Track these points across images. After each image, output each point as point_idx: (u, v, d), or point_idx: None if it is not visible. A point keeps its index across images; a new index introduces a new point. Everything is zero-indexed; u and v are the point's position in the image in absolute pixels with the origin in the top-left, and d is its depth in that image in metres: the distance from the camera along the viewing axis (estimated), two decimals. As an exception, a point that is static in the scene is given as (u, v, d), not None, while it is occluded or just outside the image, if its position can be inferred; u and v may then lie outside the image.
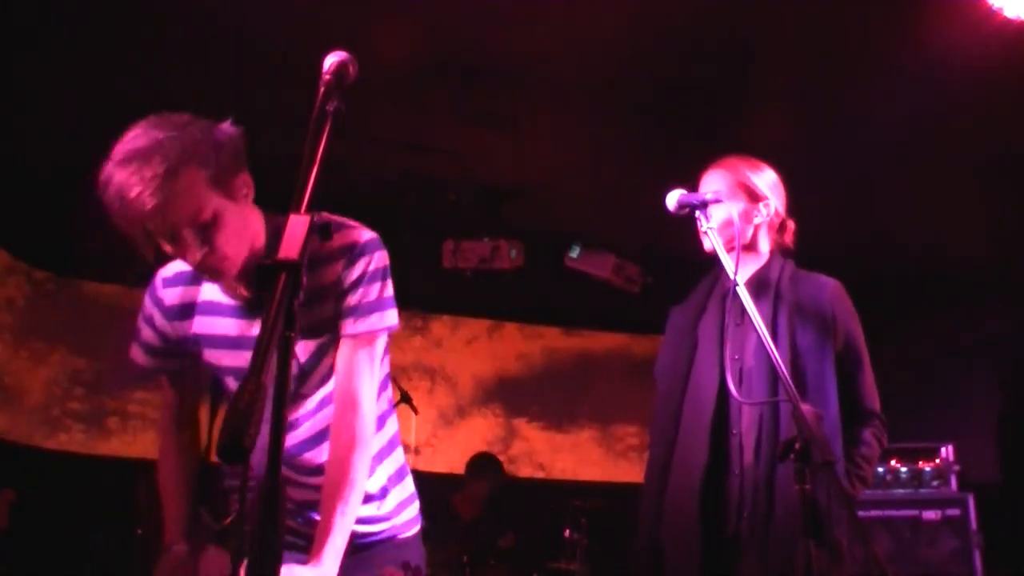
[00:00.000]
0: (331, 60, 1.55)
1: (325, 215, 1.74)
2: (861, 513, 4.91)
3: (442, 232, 5.66)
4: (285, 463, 1.55)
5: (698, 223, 2.33)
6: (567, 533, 5.35)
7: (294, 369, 1.89)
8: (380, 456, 2.11)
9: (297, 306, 1.29)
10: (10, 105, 4.54)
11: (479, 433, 6.96)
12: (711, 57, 4.04)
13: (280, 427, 1.25)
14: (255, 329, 1.88)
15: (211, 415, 2.20)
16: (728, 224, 2.43)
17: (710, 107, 4.40)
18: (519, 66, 4.18)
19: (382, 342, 2.00)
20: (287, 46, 3.89)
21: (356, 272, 1.92)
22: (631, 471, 6.86)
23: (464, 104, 4.33)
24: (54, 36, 3.95)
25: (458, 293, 6.36)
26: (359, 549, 2.06)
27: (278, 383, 1.26)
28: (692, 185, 2.50)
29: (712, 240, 2.28)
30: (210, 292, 2.00)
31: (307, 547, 1.86)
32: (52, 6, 3.73)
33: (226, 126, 1.85)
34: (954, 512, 4.98)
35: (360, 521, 2.00)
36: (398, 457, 2.19)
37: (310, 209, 1.38)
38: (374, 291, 1.94)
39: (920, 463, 5.14)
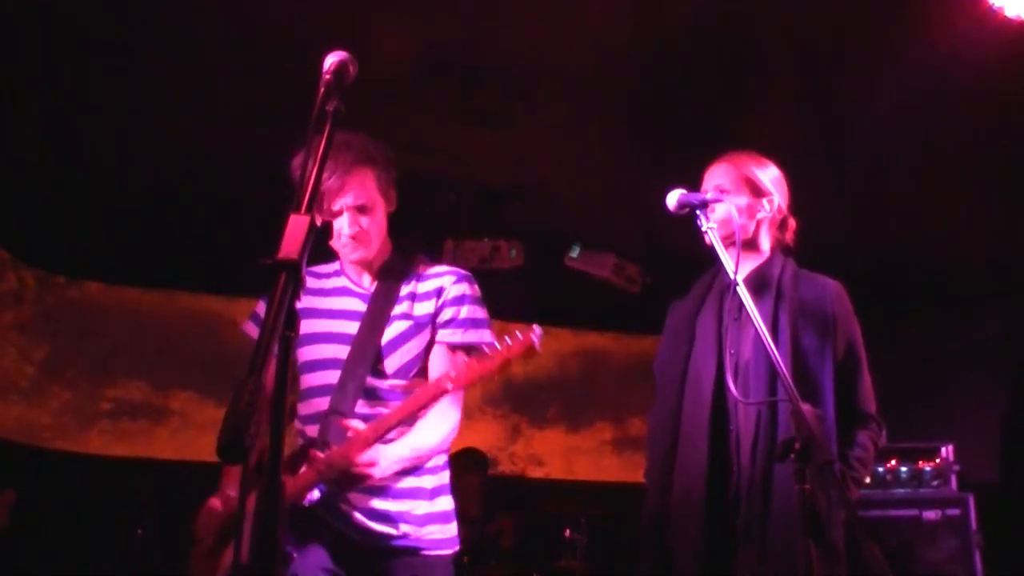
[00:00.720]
0: (331, 60, 1.56)
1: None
2: (861, 513, 4.92)
3: (442, 232, 5.65)
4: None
5: (698, 223, 2.33)
6: (567, 533, 5.35)
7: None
8: (436, 467, 2.35)
9: (297, 306, 1.29)
10: (10, 105, 4.54)
11: (480, 433, 6.95)
12: (711, 57, 4.04)
13: (280, 427, 1.25)
14: (360, 306, 2.34)
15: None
16: (731, 221, 2.43)
17: (710, 107, 4.39)
18: (519, 66, 4.17)
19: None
20: (287, 46, 3.89)
21: (469, 291, 2.39)
22: (631, 471, 6.86)
23: (464, 104, 4.33)
24: (55, 36, 3.95)
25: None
26: (382, 553, 2.19)
27: (278, 383, 1.26)
28: (692, 185, 2.50)
29: (712, 239, 2.28)
30: (331, 282, 2.43)
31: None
32: (52, 6, 3.72)
33: (386, 148, 2.42)
34: (954, 512, 4.97)
35: (387, 517, 2.18)
36: (445, 475, 2.40)
37: (309, 209, 1.38)
38: (479, 311, 2.40)
39: (920, 463, 5.14)
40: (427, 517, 2.27)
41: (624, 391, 7.25)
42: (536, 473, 7.09)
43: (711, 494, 2.32)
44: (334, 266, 2.47)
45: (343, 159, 2.24)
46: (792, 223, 2.63)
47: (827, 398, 2.33)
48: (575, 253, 5.89)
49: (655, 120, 4.60)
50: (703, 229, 2.32)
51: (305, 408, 2.31)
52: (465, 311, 2.34)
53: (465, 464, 5.66)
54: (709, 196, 2.40)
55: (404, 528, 2.21)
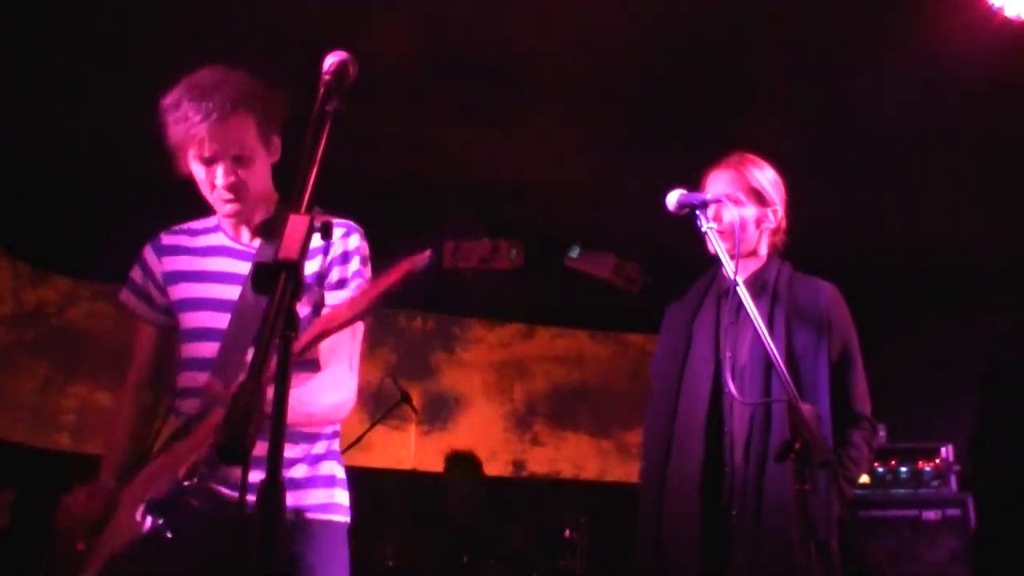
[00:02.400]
0: (331, 60, 1.56)
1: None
2: (861, 513, 4.92)
3: (442, 232, 5.65)
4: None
5: (698, 223, 2.33)
6: (567, 533, 5.35)
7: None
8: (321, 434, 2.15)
9: (296, 306, 1.29)
10: (10, 105, 4.54)
11: (481, 433, 6.95)
12: (711, 56, 4.04)
13: (280, 427, 1.25)
14: (242, 268, 2.13)
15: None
16: (737, 228, 2.43)
17: (710, 107, 4.39)
18: (519, 66, 4.17)
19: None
20: (287, 46, 3.89)
21: (358, 247, 2.15)
22: (630, 471, 6.86)
23: (464, 104, 4.33)
24: (55, 37, 3.95)
25: (458, 293, 6.36)
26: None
27: (278, 383, 1.26)
28: (692, 185, 2.50)
29: (712, 240, 2.29)
30: (207, 239, 2.21)
31: None
32: (52, 7, 3.72)
33: (272, 88, 2.16)
34: (954, 512, 4.97)
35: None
36: (335, 442, 2.20)
37: (309, 209, 1.38)
38: (368, 274, 2.15)
39: (920, 463, 5.14)
40: (308, 480, 2.09)
41: (624, 390, 7.24)
42: (538, 473, 7.09)
43: (706, 494, 2.33)
44: (211, 221, 2.24)
45: (216, 101, 2.00)
46: (783, 225, 2.64)
47: (822, 399, 2.34)
48: (575, 253, 5.89)
49: (655, 120, 4.60)
50: (703, 229, 2.32)
51: (183, 381, 2.12)
52: (355, 266, 2.11)
53: (459, 468, 5.66)
54: (709, 197, 2.40)
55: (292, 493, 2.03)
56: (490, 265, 5.61)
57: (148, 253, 2.24)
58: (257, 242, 2.16)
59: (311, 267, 2.08)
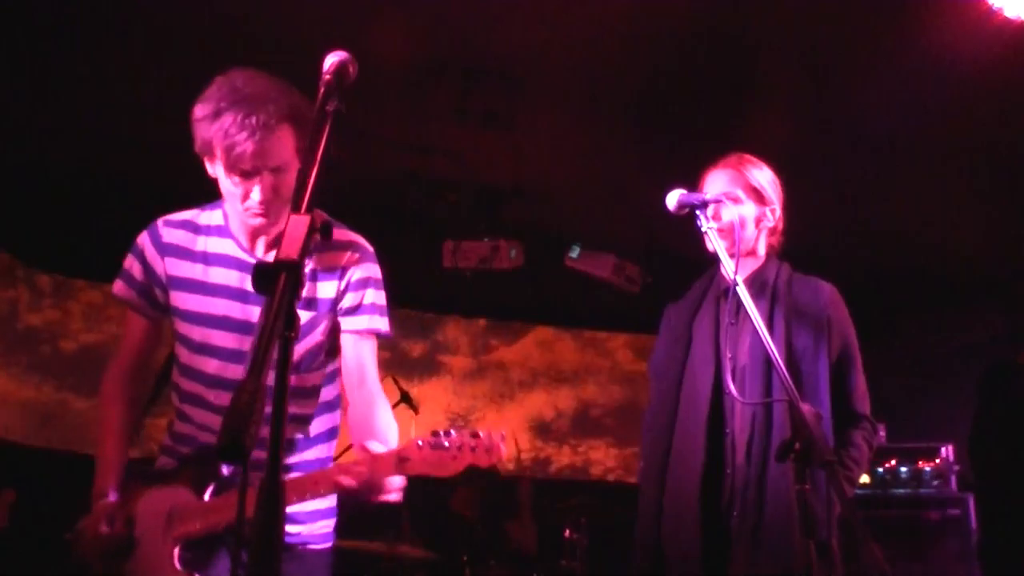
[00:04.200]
0: (331, 60, 1.56)
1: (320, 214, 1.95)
2: (861, 513, 4.92)
3: (442, 232, 5.65)
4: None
5: (698, 223, 2.33)
6: (567, 533, 5.34)
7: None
8: (324, 460, 2.19)
9: (297, 305, 1.29)
10: (9, 105, 4.54)
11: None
12: (711, 57, 4.04)
13: (280, 427, 1.25)
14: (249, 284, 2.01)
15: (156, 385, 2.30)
16: (736, 227, 2.43)
17: (710, 107, 4.39)
18: (519, 66, 4.17)
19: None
20: (287, 46, 3.89)
21: (371, 272, 2.12)
22: (632, 470, 6.86)
23: (464, 104, 4.33)
24: (55, 37, 3.95)
25: (458, 293, 6.36)
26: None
27: (278, 383, 1.26)
28: (692, 185, 2.50)
29: (713, 240, 2.29)
30: (215, 245, 2.11)
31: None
32: (53, 8, 3.72)
33: (305, 97, 2.02)
34: (954, 512, 4.97)
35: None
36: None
37: (310, 209, 1.38)
38: (383, 299, 2.14)
39: (920, 463, 5.14)
40: (318, 513, 2.16)
41: (624, 390, 7.24)
42: (537, 473, 7.08)
43: (706, 495, 2.33)
44: (216, 216, 2.14)
45: (262, 117, 1.92)
46: (781, 226, 2.64)
47: (822, 399, 2.34)
48: (575, 253, 5.89)
49: (655, 120, 4.60)
50: (703, 229, 2.32)
51: (188, 386, 2.11)
52: (370, 295, 2.10)
53: (467, 474, 5.62)
54: (709, 196, 2.40)
55: (297, 527, 2.12)
56: (490, 265, 5.61)
57: (147, 247, 2.13)
58: (272, 254, 2.06)
59: (326, 291, 2.08)
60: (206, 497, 1.98)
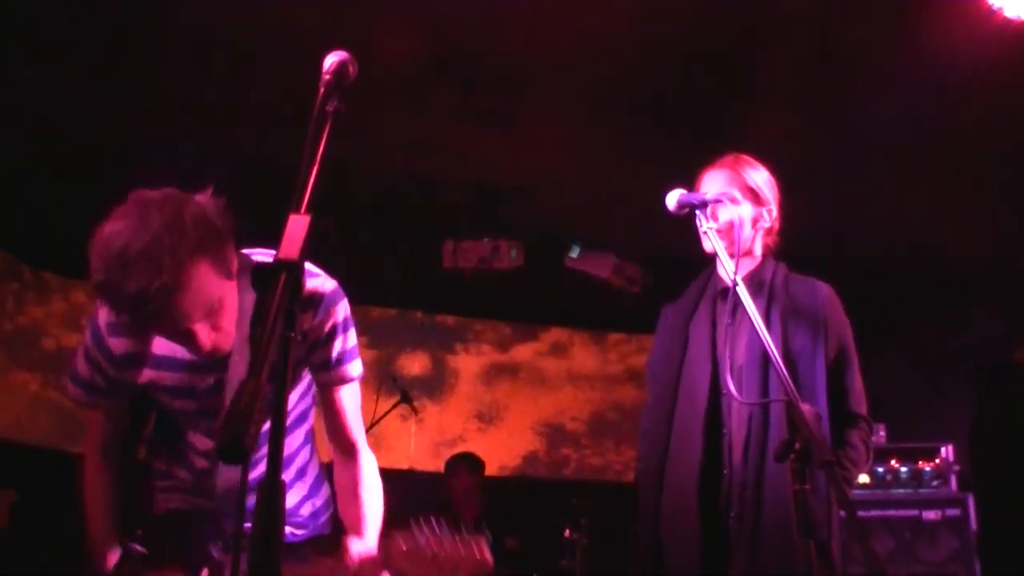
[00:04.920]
0: (331, 60, 1.56)
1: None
2: (861, 513, 4.92)
3: (442, 232, 5.65)
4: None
5: (697, 223, 2.34)
6: (567, 533, 5.34)
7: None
8: (311, 495, 2.20)
9: (297, 308, 1.29)
10: (10, 105, 4.54)
11: (477, 433, 6.96)
12: (711, 57, 4.04)
13: (280, 426, 1.25)
14: (205, 380, 1.92)
15: (134, 426, 2.18)
16: (735, 227, 2.44)
17: (710, 107, 4.39)
18: (519, 66, 4.17)
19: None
20: (288, 46, 3.89)
21: (334, 321, 1.94)
22: (630, 470, 6.86)
23: (464, 104, 4.32)
24: (55, 37, 3.95)
25: (458, 293, 6.36)
26: (291, 547, 2.12)
27: (277, 383, 1.26)
28: (692, 185, 2.51)
29: (712, 240, 2.29)
30: (161, 346, 1.93)
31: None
32: (54, 8, 3.72)
33: (211, 203, 1.72)
34: (954, 512, 4.98)
35: (294, 525, 2.14)
36: (322, 489, 2.25)
37: (310, 209, 1.38)
38: (352, 339, 2.00)
39: (920, 463, 5.14)
40: (317, 511, 2.23)
41: (624, 390, 7.24)
42: (537, 473, 7.09)
43: (704, 495, 2.33)
44: None
45: (160, 278, 1.59)
46: (776, 227, 2.64)
47: (819, 399, 2.35)
48: (575, 253, 5.89)
49: (655, 120, 4.59)
50: (702, 230, 2.32)
51: (184, 472, 2.08)
52: (338, 345, 1.96)
53: (458, 465, 5.63)
54: (709, 197, 2.40)
55: (302, 529, 2.21)
56: (490, 265, 5.61)
57: (90, 346, 1.98)
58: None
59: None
60: None
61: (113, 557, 2.06)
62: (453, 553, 1.75)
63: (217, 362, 1.87)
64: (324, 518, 2.25)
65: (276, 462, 1.23)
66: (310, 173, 1.41)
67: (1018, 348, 5.89)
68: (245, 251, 1.87)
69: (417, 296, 6.60)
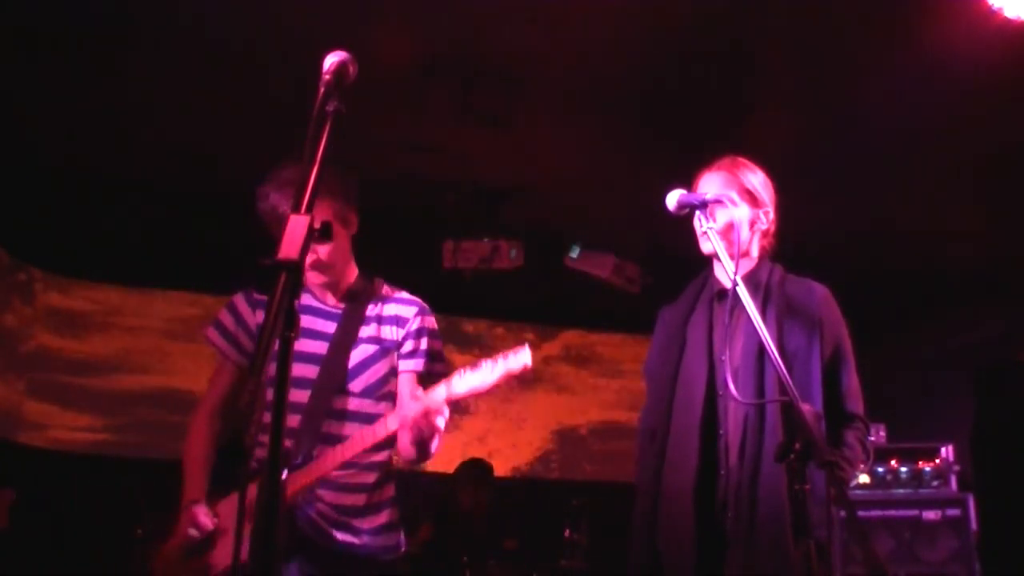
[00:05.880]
0: (331, 60, 1.56)
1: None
2: (861, 513, 4.92)
3: (442, 232, 5.65)
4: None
5: (697, 223, 2.34)
6: (567, 533, 5.34)
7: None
8: (389, 477, 2.44)
9: (297, 305, 1.29)
10: (9, 104, 4.55)
11: (479, 434, 6.96)
12: (711, 57, 4.04)
13: (280, 426, 1.25)
14: (326, 327, 2.42)
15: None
16: (732, 229, 2.44)
17: (710, 107, 4.40)
18: (519, 66, 4.17)
19: None
20: (288, 46, 3.89)
21: (428, 324, 2.50)
22: (630, 470, 6.85)
23: (464, 104, 4.33)
24: (56, 36, 3.95)
25: (458, 293, 6.36)
26: (339, 558, 2.28)
27: (278, 382, 1.26)
28: (692, 185, 2.51)
29: (712, 240, 2.29)
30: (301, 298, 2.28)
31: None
32: (54, 7, 3.73)
33: (353, 174, 2.51)
34: (954, 512, 4.98)
35: (346, 528, 2.29)
36: (393, 486, 2.48)
37: (309, 209, 1.38)
38: (438, 343, 2.54)
39: (920, 463, 5.14)
40: (385, 528, 2.41)
41: (624, 391, 7.25)
42: (538, 473, 7.09)
43: (701, 496, 2.34)
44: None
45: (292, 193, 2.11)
46: (772, 228, 2.64)
47: (815, 399, 2.34)
48: (575, 253, 5.89)
49: (655, 120, 4.60)
50: (702, 230, 2.32)
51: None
52: (425, 342, 2.48)
53: (474, 478, 5.60)
54: (709, 197, 2.40)
55: (364, 538, 2.34)
56: (490, 265, 5.61)
57: (241, 303, 2.48)
58: (343, 306, 2.46)
59: (389, 333, 2.46)
60: None
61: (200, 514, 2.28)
62: (498, 358, 2.21)
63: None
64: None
65: (276, 462, 1.23)
66: (311, 173, 1.41)
67: (1020, 348, 5.89)
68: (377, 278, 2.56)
69: (417, 296, 6.59)
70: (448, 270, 5.66)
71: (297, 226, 1.34)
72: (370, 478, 2.36)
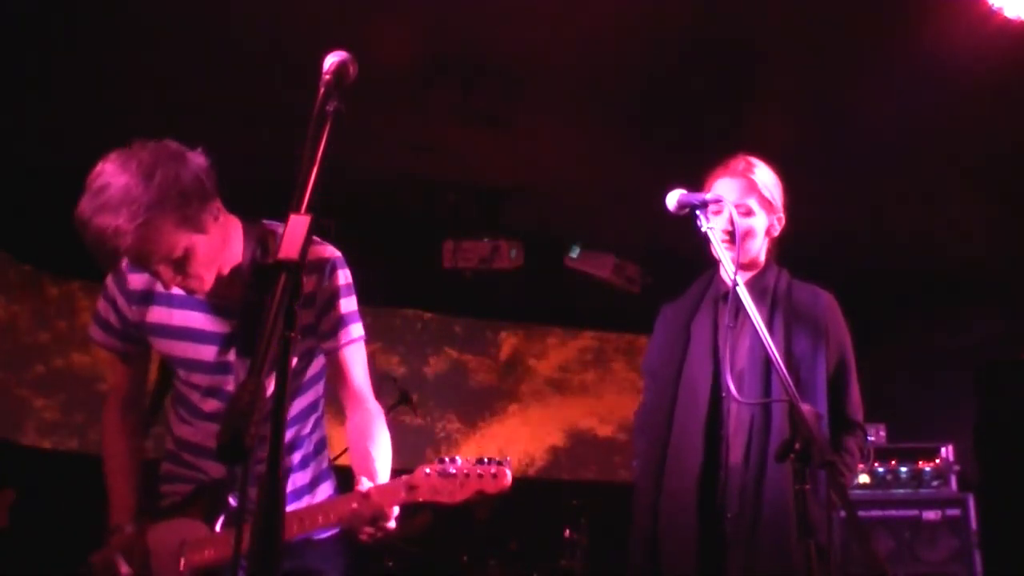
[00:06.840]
0: (331, 60, 1.56)
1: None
2: (861, 513, 4.91)
3: (442, 232, 5.65)
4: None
5: (698, 223, 2.34)
6: (567, 533, 5.34)
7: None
8: (316, 452, 2.25)
9: (297, 306, 1.29)
10: (9, 104, 4.54)
11: (480, 434, 6.95)
12: (711, 57, 4.04)
13: (280, 425, 1.25)
14: (219, 326, 2.05)
15: (153, 403, 2.31)
16: (750, 237, 2.45)
17: (710, 107, 4.39)
18: (519, 66, 4.17)
19: None
20: (287, 46, 3.89)
21: (340, 283, 2.10)
22: (628, 470, 6.85)
23: (464, 104, 4.33)
24: (55, 35, 3.95)
25: (458, 293, 6.36)
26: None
27: (278, 382, 1.26)
28: (692, 185, 2.50)
29: (713, 240, 2.29)
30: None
31: None
32: (54, 5, 3.72)
33: (194, 162, 1.92)
34: (954, 512, 4.98)
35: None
36: (325, 458, 2.30)
37: (310, 209, 1.38)
38: (354, 302, 2.15)
39: (920, 463, 5.14)
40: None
41: (624, 391, 7.24)
42: (538, 473, 7.09)
43: (702, 496, 2.33)
44: None
45: (120, 222, 1.78)
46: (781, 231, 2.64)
47: (819, 404, 2.36)
48: (575, 253, 5.89)
49: (655, 120, 4.60)
50: (703, 230, 2.32)
51: (194, 435, 2.16)
52: (341, 307, 2.11)
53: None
54: (709, 196, 2.40)
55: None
56: (490, 265, 5.61)
57: (110, 283, 2.13)
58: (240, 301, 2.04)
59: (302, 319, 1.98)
60: (217, 528, 2.05)
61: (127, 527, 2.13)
62: (475, 472, 1.90)
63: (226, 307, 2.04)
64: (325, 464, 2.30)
65: (276, 461, 1.23)
66: (311, 173, 1.41)
67: (1020, 348, 5.89)
68: (268, 222, 2.03)
69: (417, 296, 6.60)
70: (448, 270, 5.66)
71: (297, 226, 1.34)
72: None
